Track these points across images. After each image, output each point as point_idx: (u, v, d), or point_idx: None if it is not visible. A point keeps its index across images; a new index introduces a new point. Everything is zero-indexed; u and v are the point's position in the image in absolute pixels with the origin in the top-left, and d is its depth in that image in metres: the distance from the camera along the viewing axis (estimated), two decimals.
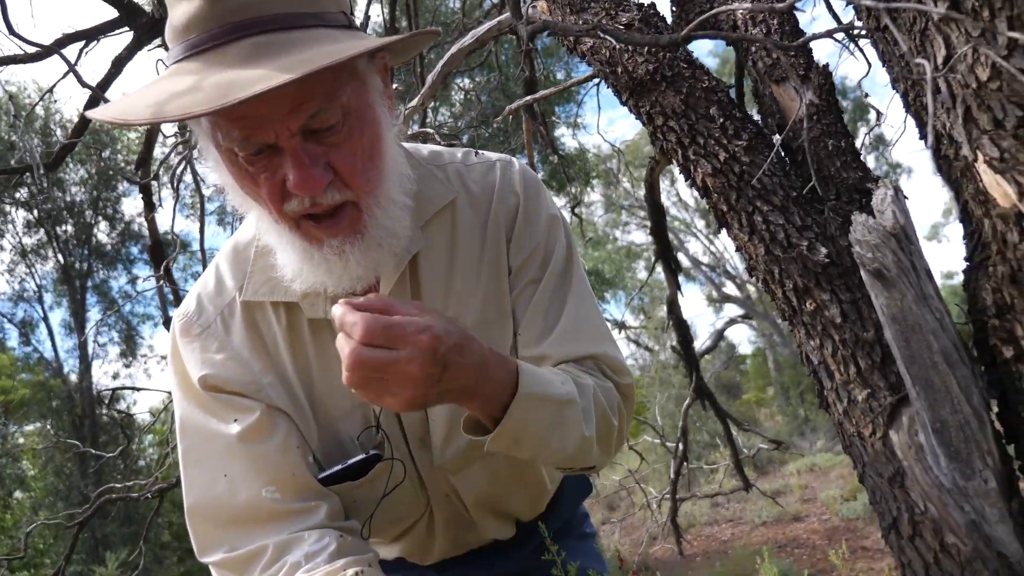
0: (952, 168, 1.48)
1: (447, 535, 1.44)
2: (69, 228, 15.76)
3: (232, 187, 1.05)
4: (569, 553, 1.59)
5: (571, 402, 1.12)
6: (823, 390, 1.63)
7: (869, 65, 1.85)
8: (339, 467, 1.20)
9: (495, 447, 1.09)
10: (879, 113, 2.06)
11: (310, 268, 1.07)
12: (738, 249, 1.75)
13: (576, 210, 6.14)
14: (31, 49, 2.20)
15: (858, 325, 1.53)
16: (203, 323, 1.21)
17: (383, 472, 1.23)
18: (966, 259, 1.54)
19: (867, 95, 2.05)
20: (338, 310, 0.94)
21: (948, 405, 1.36)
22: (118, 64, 2.64)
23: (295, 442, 1.18)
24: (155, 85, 0.93)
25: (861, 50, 1.86)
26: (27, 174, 2.79)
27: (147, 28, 2.57)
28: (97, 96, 2.40)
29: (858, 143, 1.79)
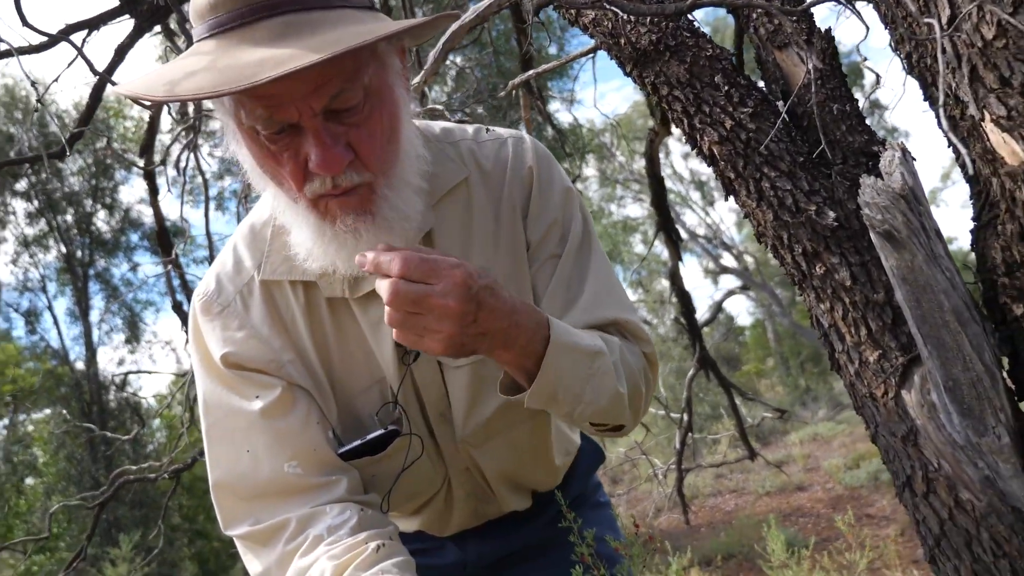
0: (958, 128, 1.49)
1: (466, 508, 1.46)
2: (69, 218, 15.77)
3: (251, 165, 1.07)
4: (585, 522, 1.62)
5: (600, 353, 1.15)
6: (834, 353, 1.64)
7: (867, 29, 1.85)
8: (358, 442, 1.22)
9: (534, 403, 1.12)
10: (878, 76, 2.06)
11: (322, 246, 1.08)
12: (746, 216, 1.76)
13: (574, 184, 6.15)
14: (36, 40, 2.20)
15: (868, 287, 1.54)
16: (223, 302, 1.22)
17: (401, 447, 1.26)
18: (974, 218, 1.56)
19: (865, 59, 2.05)
20: (371, 254, 0.98)
21: (960, 363, 1.38)
22: (121, 52, 2.64)
23: (315, 418, 1.20)
24: (182, 62, 0.94)
25: (858, 13, 1.86)
26: (32, 163, 2.80)
27: (148, 15, 2.57)
28: (105, 80, 2.41)
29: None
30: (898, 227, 1.37)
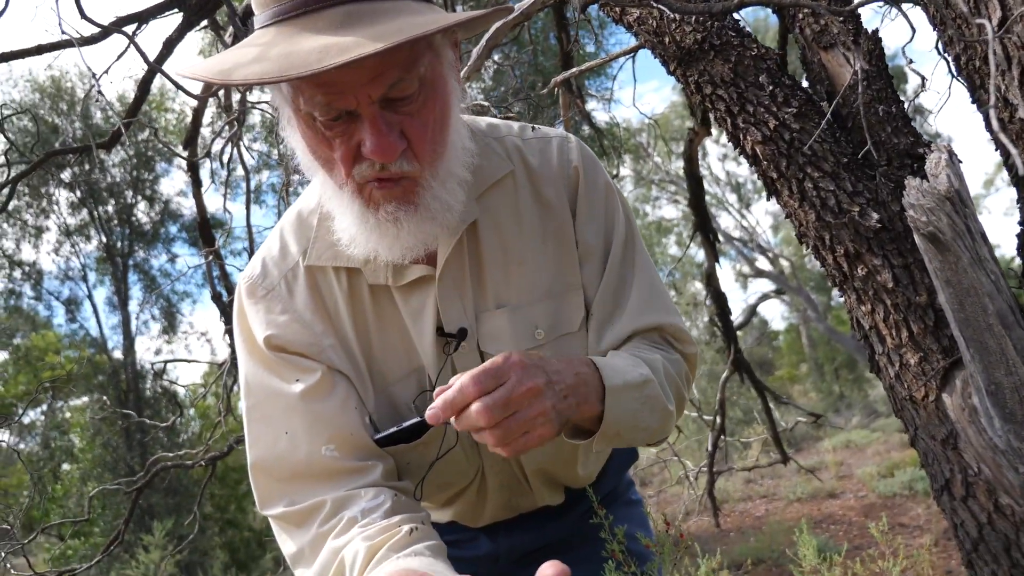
0: (1007, 130, 1.48)
1: (499, 499, 1.48)
2: (110, 208, 16.08)
3: (303, 151, 1.09)
4: (616, 519, 1.62)
5: (647, 381, 1.19)
6: (874, 355, 1.64)
7: (913, 31, 1.83)
8: (394, 429, 1.23)
9: (601, 445, 1.18)
10: (923, 79, 2.05)
11: (364, 233, 1.10)
12: (787, 216, 1.75)
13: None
14: (87, 32, 2.27)
15: (910, 289, 1.53)
16: (268, 286, 1.25)
17: (436, 436, 1.27)
18: (1021, 223, 1.54)
19: (911, 61, 2.04)
20: (439, 402, 1.02)
21: (1003, 367, 1.37)
22: (169, 45, 2.71)
23: (353, 403, 1.22)
24: (242, 50, 0.96)
25: (906, 15, 1.85)
26: (80, 153, 2.89)
27: (196, 9, 2.63)
28: (155, 71, 2.47)
29: None
30: (943, 229, 1.37)
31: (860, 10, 1.68)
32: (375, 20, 0.93)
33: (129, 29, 2.75)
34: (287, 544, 1.18)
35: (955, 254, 1.37)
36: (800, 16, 1.84)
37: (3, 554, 3.51)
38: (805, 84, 1.85)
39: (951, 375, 1.48)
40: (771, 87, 1.71)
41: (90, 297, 16.70)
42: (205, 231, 3.46)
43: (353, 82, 0.95)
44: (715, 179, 21.96)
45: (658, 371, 1.22)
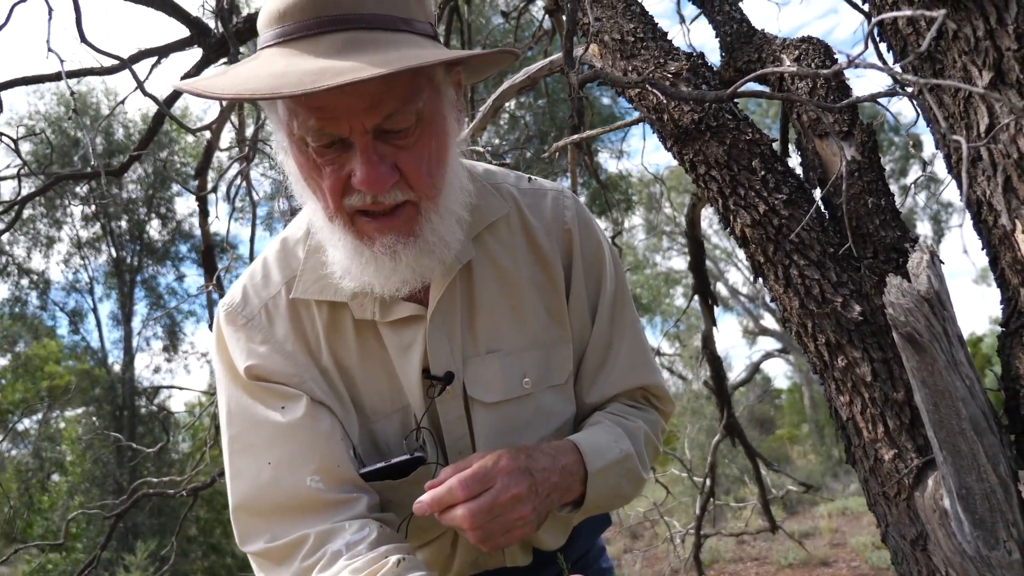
0: (991, 235, 1.49)
1: (467, 557, 1.47)
2: (123, 224, 16.21)
3: (296, 176, 1.10)
4: None
5: (627, 457, 1.26)
6: (851, 446, 1.63)
7: (918, 114, 1.86)
8: (383, 464, 1.21)
9: (581, 518, 1.30)
10: (925, 163, 2.07)
11: (359, 266, 1.10)
12: (773, 300, 1.76)
13: (616, 240, 6.15)
14: (107, 62, 2.32)
15: (888, 385, 1.54)
16: (247, 314, 1.23)
17: (425, 476, 1.26)
18: (1002, 324, 1.55)
19: (915, 145, 2.06)
20: (427, 497, 1.08)
21: (974, 472, 1.36)
22: (186, 79, 2.77)
23: (339, 435, 1.20)
24: (245, 66, 0.97)
25: (911, 98, 1.87)
26: (90, 179, 2.95)
27: (215, 47, 2.69)
28: (164, 115, 2.52)
29: (909, 179, 1.80)
30: (920, 330, 1.37)
31: (861, 85, 1.70)
32: (376, 48, 0.93)
33: (149, 63, 2.81)
34: None
35: (931, 356, 1.38)
36: (797, 103, 1.86)
37: None
38: (800, 171, 1.87)
39: (924, 475, 1.47)
40: (763, 172, 1.73)
41: (95, 310, 16.77)
42: (208, 262, 3.50)
43: (348, 109, 0.95)
44: (726, 233, 22.03)
45: (638, 440, 1.28)
